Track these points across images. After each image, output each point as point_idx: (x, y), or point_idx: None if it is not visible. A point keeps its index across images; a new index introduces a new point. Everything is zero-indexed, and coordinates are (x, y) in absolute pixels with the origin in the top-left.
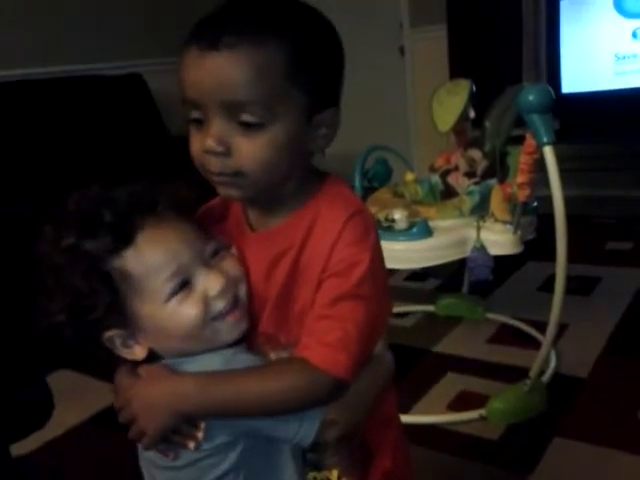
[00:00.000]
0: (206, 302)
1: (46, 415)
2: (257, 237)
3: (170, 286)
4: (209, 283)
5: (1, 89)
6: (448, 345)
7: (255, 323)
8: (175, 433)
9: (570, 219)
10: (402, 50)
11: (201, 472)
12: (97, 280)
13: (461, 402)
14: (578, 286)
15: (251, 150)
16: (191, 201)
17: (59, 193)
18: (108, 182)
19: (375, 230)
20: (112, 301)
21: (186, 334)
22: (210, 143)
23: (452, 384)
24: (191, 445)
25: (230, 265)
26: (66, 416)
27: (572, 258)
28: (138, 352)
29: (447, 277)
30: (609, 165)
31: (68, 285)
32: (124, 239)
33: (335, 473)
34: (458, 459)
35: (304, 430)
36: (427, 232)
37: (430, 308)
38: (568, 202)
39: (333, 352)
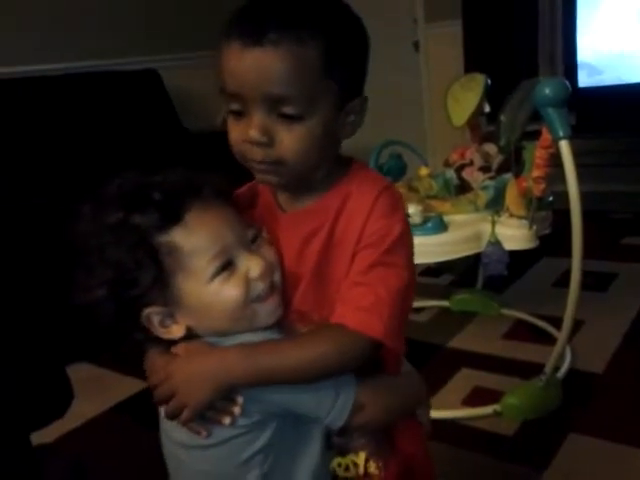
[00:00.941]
0: (248, 283)
1: (65, 404)
2: (289, 217)
3: (215, 265)
4: (250, 265)
5: (18, 85)
6: (463, 340)
7: (288, 301)
8: (210, 409)
9: (586, 214)
10: (417, 45)
11: (232, 451)
12: (144, 254)
13: (476, 397)
14: (594, 282)
15: (292, 140)
16: (230, 189)
17: (74, 187)
18: (143, 171)
19: (403, 204)
20: (156, 276)
21: (227, 314)
22: (254, 134)
23: (467, 379)
24: (227, 420)
25: (267, 251)
26: (85, 408)
27: (588, 254)
28: (175, 331)
29: (462, 272)
30: (626, 160)
31: (113, 259)
32: (173, 216)
33: (362, 456)
34: (472, 454)
35: (337, 409)
36: (442, 227)
37: (445, 303)
38: (584, 197)
39: (367, 315)
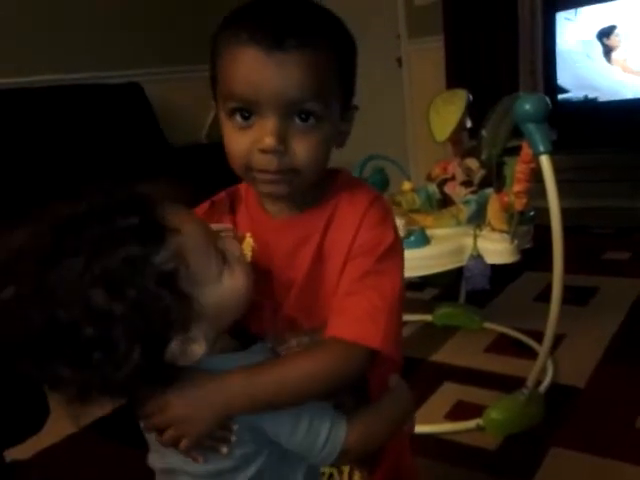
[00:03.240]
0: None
1: (41, 420)
2: (279, 222)
3: (217, 261)
4: (233, 249)
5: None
6: (445, 355)
7: (278, 307)
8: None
9: (567, 229)
10: (400, 61)
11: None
12: (165, 292)
13: (458, 412)
14: (575, 296)
15: (307, 148)
16: (186, 195)
17: (57, 200)
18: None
19: (393, 214)
20: (183, 303)
21: (243, 300)
22: (270, 142)
23: (449, 394)
24: (224, 449)
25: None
26: (62, 424)
27: (569, 268)
28: (198, 350)
29: (444, 287)
30: (606, 175)
31: (139, 324)
32: (159, 231)
33: (347, 467)
34: (455, 469)
35: (326, 452)
36: (424, 241)
37: (427, 317)
38: (565, 212)
39: (363, 324)
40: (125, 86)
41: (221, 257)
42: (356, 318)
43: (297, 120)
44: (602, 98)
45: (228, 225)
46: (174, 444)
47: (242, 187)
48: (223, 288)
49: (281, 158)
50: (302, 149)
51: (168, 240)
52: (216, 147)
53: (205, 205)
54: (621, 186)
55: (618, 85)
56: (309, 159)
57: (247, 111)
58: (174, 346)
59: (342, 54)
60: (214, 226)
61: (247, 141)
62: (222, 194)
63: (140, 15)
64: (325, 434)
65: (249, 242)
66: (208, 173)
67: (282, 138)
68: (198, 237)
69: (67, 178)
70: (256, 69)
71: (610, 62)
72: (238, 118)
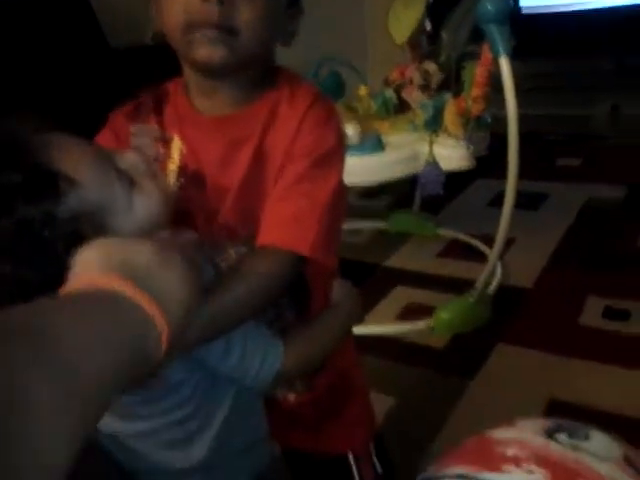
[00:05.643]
0: (155, 174)
1: None
2: (211, 121)
3: (123, 188)
4: (136, 163)
5: None
6: (398, 260)
7: (214, 214)
8: None
9: (522, 136)
10: None
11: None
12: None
13: (410, 313)
14: (526, 202)
15: (250, 8)
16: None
17: None
18: None
19: (337, 114)
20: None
21: (163, 213)
22: None
23: (401, 296)
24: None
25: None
26: None
27: (521, 174)
28: None
29: (399, 194)
30: (561, 83)
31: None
32: (54, 185)
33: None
34: (404, 367)
35: (260, 379)
36: (379, 147)
37: (382, 224)
38: (520, 119)
39: (290, 230)
40: None
41: (126, 180)
42: (284, 223)
43: None
44: (562, 6)
45: (153, 125)
46: None
47: (170, 85)
48: (137, 213)
49: (224, 11)
50: (245, 7)
51: (64, 193)
52: (163, 50)
53: (129, 107)
54: (575, 94)
55: None
56: (251, 21)
57: None
58: None
59: None
60: (138, 127)
61: None
62: (148, 94)
63: None
64: (259, 359)
65: (177, 144)
66: (153, 77)
67: None
68: (95, 174)
69: (3, 84)
70: None
71: None
72: None
